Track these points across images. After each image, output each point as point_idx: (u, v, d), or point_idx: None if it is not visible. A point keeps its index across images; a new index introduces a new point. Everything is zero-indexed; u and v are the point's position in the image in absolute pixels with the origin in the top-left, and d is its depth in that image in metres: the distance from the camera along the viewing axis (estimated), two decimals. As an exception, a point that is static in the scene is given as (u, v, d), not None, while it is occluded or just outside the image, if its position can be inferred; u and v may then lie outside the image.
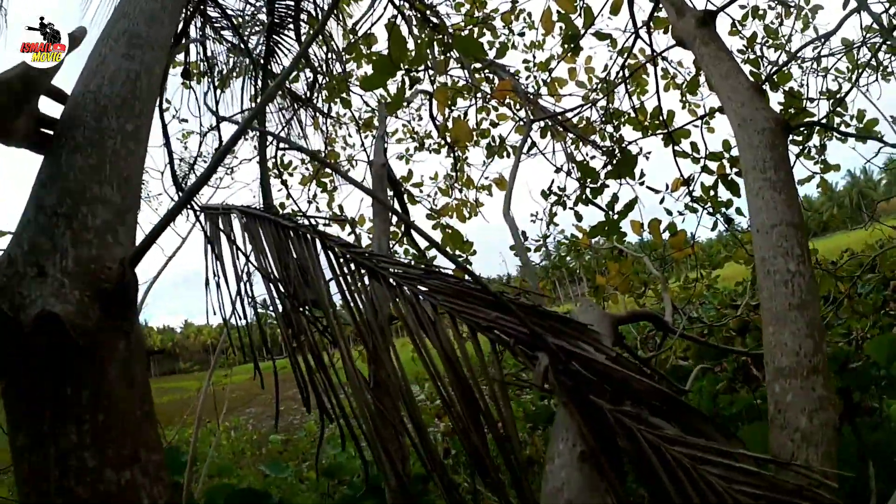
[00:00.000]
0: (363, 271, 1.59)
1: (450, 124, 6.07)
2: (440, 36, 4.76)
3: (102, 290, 0.83)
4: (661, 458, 1.08)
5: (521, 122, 5.93)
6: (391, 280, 1.54)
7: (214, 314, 1.71)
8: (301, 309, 1.55)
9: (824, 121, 5.10)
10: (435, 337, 1.38)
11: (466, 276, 1.52)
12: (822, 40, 5.90)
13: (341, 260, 1.62)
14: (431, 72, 5.10)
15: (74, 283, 0.83)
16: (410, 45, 3.91)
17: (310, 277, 1.58)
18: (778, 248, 1.63)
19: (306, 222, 1.84)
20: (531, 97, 6.06)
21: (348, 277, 1.58)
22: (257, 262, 1.70)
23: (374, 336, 1.43)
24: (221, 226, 1.88)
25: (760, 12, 6.02)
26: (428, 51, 4.33)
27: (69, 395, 0.78)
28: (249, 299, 1.70)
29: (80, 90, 1.14)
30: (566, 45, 5.43)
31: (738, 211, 4.95)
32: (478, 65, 5.75)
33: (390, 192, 4.80)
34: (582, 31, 5.06)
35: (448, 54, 5.05)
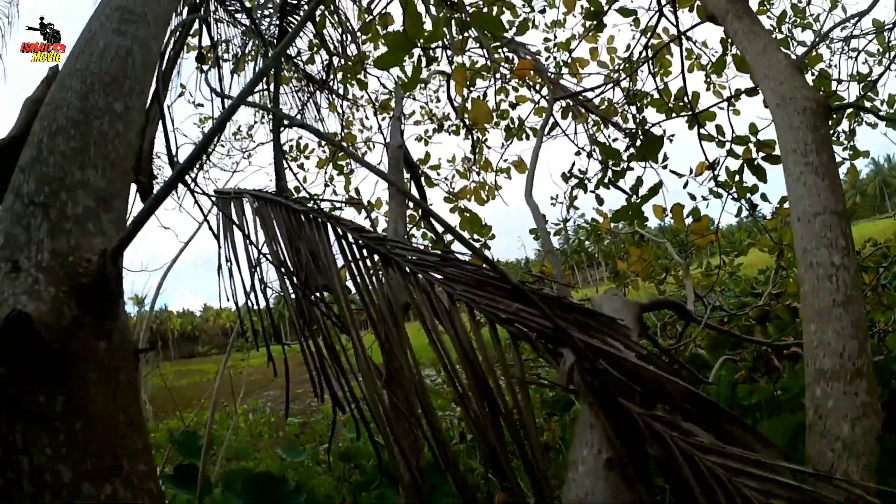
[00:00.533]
0: (376, 257, 1.52)
1: (468, 105, 5.94)
2: (458, 14, 4.63)
3: (79, 285, 0.75)
4: (695, 469, 0.99)
5: (544, 98, 5.79)
6: (405, 267, 1.46)
7: (228, 300, 1.70)
8: (313, 297, 1.49)
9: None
10: (451, 328, 1.30)
11: (485, 265, 1.43)
12: (855, 20, 5.68)
13: (353, 246, 1.55)
14: (449, 52, 4.98)
15: (49, 279, 0.75)
16: (428, 25, 3.79)
17: (321, 263, 1.52)
18: (821, 238, 1.51)
19: (320, 206, 1.79)
20: (552, 76, 5.92)
21: (360, 264, 1.50)
22: (269, 247, 1.66)
23: (386, 326, 1.36)
24: (234, 210, 1.85)
25: (788, -12, 5.82)
26: (445, 30, 4.21)
27: (42, 403, 0.70)
28: (262, 285, 1.67)
29: (66, 70, 1.05)
30: (588, 22, 5.27)
31: (764, 197, 4.80)
32: (497, 43, 5.61)
33: (407, 175, 4.71)
34: (605, 8, 4.90)
35: (466, 33, 4.92)
